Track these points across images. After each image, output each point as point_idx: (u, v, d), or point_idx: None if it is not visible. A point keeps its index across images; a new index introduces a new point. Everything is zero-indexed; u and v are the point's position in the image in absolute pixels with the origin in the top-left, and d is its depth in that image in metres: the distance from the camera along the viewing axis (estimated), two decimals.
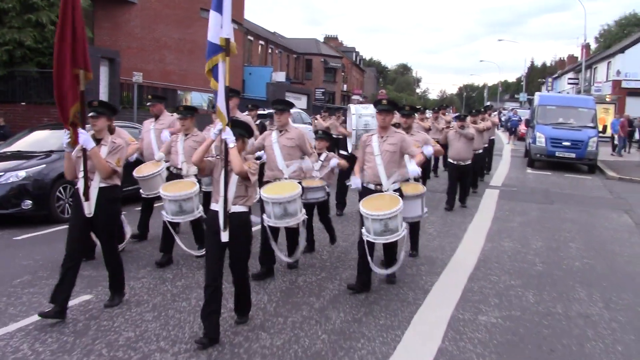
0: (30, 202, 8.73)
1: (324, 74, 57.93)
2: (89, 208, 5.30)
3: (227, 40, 4.77)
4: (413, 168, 6.14)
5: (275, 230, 6.50)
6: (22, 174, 8.80)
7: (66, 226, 5.71)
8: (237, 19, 37.68)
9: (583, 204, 12.93)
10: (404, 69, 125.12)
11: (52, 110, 14.06)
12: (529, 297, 6.30)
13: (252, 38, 42.00)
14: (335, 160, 7.69)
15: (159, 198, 7.30)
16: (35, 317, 5.19)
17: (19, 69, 15.50)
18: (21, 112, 15.36)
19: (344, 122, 16.84)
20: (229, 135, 4.71)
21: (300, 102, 31.73)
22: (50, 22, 15.59)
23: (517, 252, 8.24)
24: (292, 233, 6.90)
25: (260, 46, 44.18)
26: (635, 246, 9.08)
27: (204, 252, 5.75)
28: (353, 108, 8.49)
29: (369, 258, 6.01)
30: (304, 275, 6.79)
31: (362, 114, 8.23)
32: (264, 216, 6.41)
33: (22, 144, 10.01)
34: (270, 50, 46.28)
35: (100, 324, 5.17)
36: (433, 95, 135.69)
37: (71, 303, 5.40)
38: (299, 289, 6.32)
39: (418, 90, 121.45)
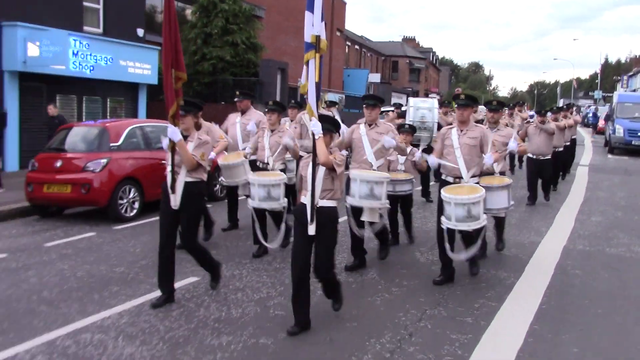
0: None
1: (409, 74, 62.70)
2: (174, 201, 5.42)
3: (318, 37, 4.69)
4: (470, 179, 5.99)
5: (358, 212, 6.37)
6: None
7: None
8: (340, 27, 43.08)
9: None
10: (476, 67, 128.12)
11: None
12: (618, 214, 10.99)
13: (349, 43, 47.18)
14: (419, 153, 7.45)
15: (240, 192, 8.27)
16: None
17: (220, 77, 21.01)
18: (221, 110, 20.85)
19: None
20: (316, 127, 4.73)
21: (403, 100, 36.57)
22: (242, 42, 21.09)
23: (608, 197, 12.87)
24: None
25: (355, 50, 49.35)
26: None
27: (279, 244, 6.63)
28: (411, 101, 8.80)
29: (447, 245, 5.99)
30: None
31: (419, 107, 8.25)
32: (347, 197, 6.31)
33: None
34: (363, 54, 51.41)
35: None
36: (503, 92, 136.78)
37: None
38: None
39: (489, 88, 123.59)
